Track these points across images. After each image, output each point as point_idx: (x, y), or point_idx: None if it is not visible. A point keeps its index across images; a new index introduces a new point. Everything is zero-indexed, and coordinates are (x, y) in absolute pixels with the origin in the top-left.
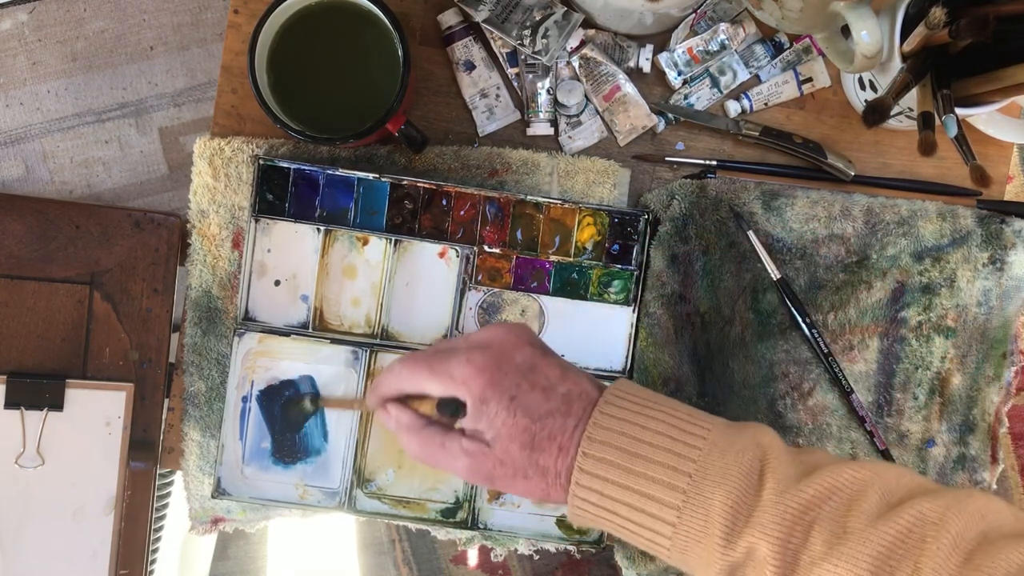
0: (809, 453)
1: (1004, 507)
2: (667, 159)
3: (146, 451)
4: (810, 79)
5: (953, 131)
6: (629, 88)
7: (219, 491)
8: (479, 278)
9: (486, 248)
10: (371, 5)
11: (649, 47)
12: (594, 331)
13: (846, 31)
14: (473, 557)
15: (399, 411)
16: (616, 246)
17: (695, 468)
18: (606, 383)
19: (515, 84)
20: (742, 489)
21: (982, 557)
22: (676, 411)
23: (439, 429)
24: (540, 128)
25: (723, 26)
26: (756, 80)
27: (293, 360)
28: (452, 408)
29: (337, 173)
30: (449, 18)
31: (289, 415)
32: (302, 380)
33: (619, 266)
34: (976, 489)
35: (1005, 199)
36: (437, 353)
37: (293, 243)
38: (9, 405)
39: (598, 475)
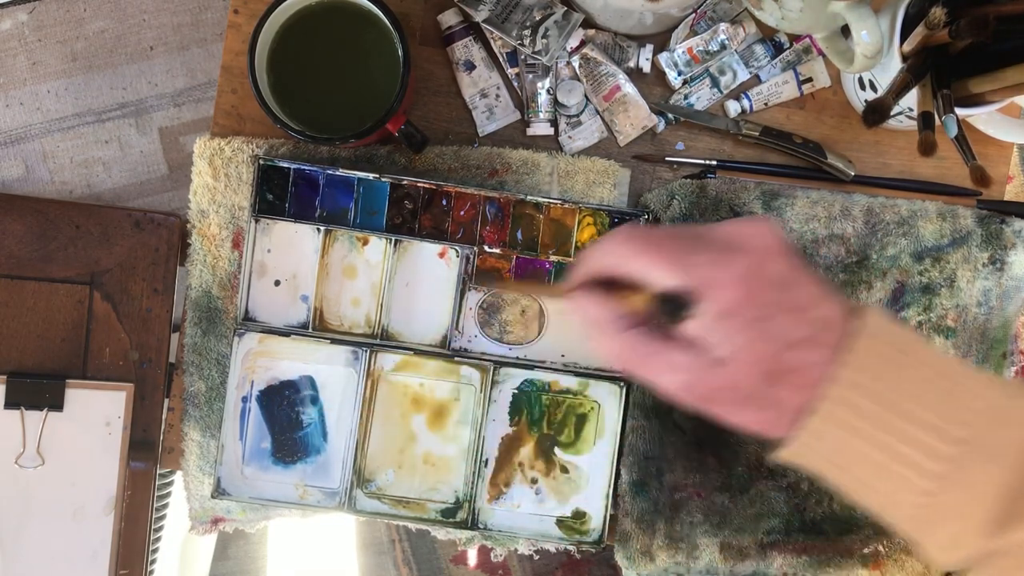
0: None
1: None
2: (667, 159)
3: (146, 451)
4: (810, 79)
5: (953, 131)
6: (629, 88)
7: (219, 491)
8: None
9: (486, 248)
10: (371, 5)
11: (649, 47)
12: None
13: (846, 31)
14: (473, 557)
15: (597, 303)
16: None
17: (970, 434)
18: (607, 389)
19: (515, 84)
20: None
21: None
22: (944, 359)
23: (646, 332)
24: (540, 128)
25: (723, 26)
26: (756, 80)
27: (293, 360)
28: (677, 309)
29: (337, 173)
30: (449, 18)
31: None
32: (302, 380)
33: None
34: None
35: (1005, 199)
36: (675, 238)
37: (293, 243)
38: (9, 405)
39: (847, 421)
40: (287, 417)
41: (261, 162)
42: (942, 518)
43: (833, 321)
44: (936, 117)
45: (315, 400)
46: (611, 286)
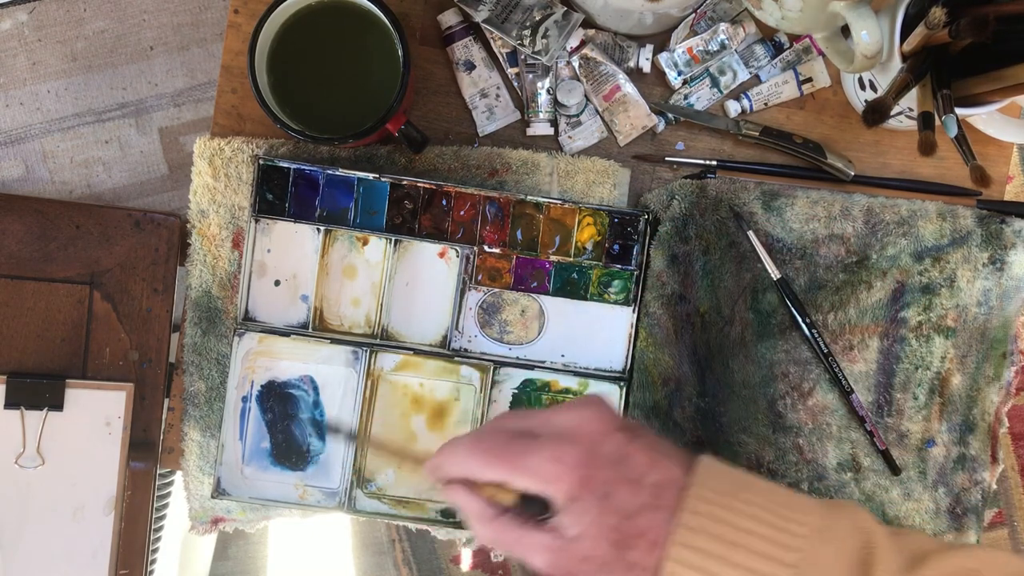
0: (908, 536)
1: None
2: (667, 159)
3: (146, 451)
4: (810, 79)
5: (953, 131)
6: (629, 88)
7: (219, 491)
8: (479, 278)
9: (486, 248)
10: (371, 5)
11: (649, 47)
12: (594, 331)
13: (846, 31)
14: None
15: (469, 500)
16: (616, 246)
17: (800, 558)
18: (607, 389)
19: (515, 84)
20: None
21: None
22: (771, 495)
23: (514, 519)
24: (540, 128)
25: (723, 26)
26: (756, 80)
27: (293, 360)
28: (538, 507)
29: (337, 173)
30: (449, 18)
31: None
32: (302, 380)
33: (619, 266)
34: None
35: (1005, 199)
36: (514, 441)
37: (293, 243)
38: (9, 405)
39: (694, 567)
40: (287, 417)
41: (261, 162)
42: None
43: (670, 481)
44: (936, 117)
45: (315, 400)
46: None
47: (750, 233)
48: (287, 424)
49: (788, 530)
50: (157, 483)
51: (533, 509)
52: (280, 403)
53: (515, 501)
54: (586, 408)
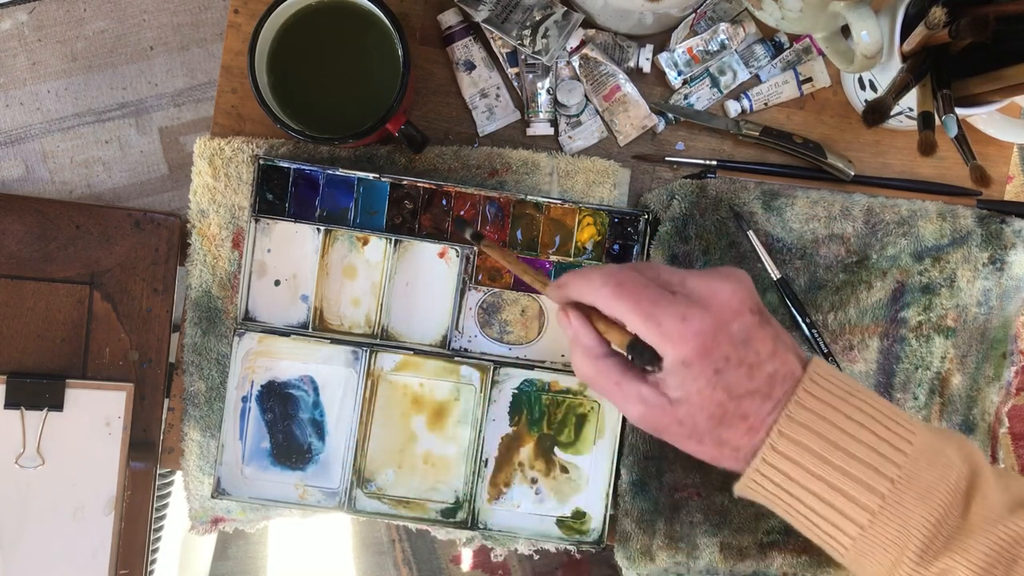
0: (1013, 479)
1: None
2: (667, 159)
3: (146, 451)
4: (810, 79)
5: (953, 131)
6: (629, 88)
7: (219, 491)
8: (479, 278)
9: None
10: (371, 5)
11: (649, 47)
12: None
13: (846, 31)
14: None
15: (582, 329)
16: (616, 246)
17: (899, 474)
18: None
19: (515, 84)
20: (947, 507)
21: None
22: (879, 406)
23: (619, 363)
24: (540, 128)
25: (723, 26)
26: (756, 80)
27: (293, 360)
28: (647, 357)
29: (337, 173)
30: (449, 18)
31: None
32: (302, 380)
33: None
34: None
35: (1005, 199)
36: (649, 288)
37: (293, 243)
38: (9, 405)
39: (791, 458)
40: (287, 417)
41: (261, 162)
42: (874, 549)
43: (784, 374)
44: (936, 117)
45: (315, 400)
46: (596, 311)
47: (750, 233)
48: (287, 424)
49: (893, 444)
50: (157, 483)
51: (641, 360)
52: (280, 403)
53: (626, 345)
54: (727, 280)
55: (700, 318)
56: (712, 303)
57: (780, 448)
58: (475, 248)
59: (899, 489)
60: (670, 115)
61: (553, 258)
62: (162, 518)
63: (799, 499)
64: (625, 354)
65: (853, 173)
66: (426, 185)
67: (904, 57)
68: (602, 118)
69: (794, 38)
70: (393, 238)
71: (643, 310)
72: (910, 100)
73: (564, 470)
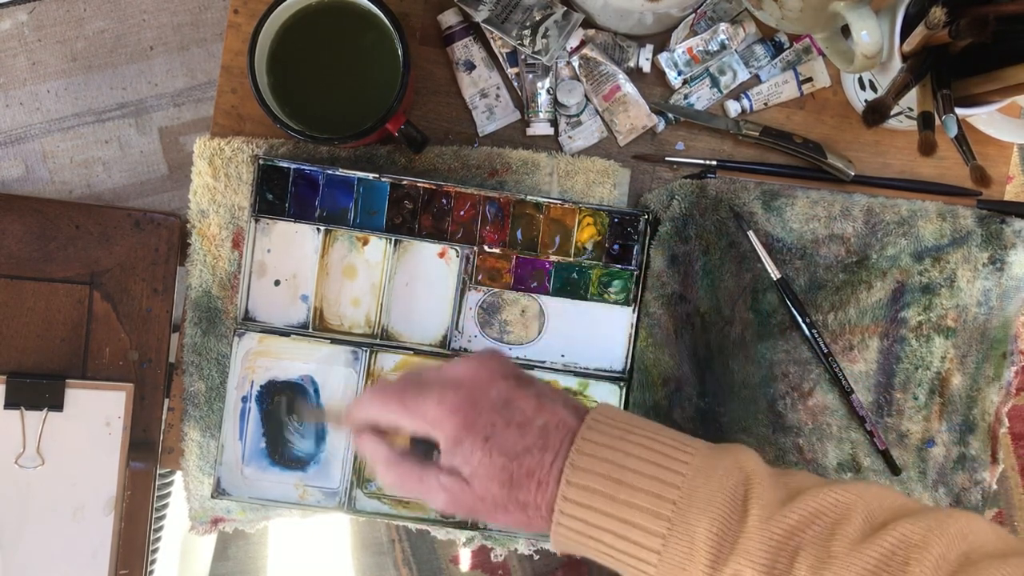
0: (792, 475)
1: (986, 526)
2: (667, 159)
3: (146, 451)
4: (810, 79)
5: (953, 131)
6: (629, 88)
7: (219, 491)
8: (479, 278)
9: (486, 248)
10: (371, 5)
11: (649, 47)
12: (594, 331)
13: (846, 31)
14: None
15: (373, 443)
16: (616, 246)
17: (679, 495)
18: (608, 389)
19: (515, 84)
20: (727, 515)
21: None
22: (658, 435)
23: (416, 462)
24: (540, 128)
25: (723, 26)
26: (756, 80)
27: (293, 360)
28: (426, 447)
29: (337, 173)
30: (449, 18)
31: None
32: (302, 380)
33: (619, 266)
34: (958, 509)
35: (1005, 199)
36: (409, 387)
37: (293, 243)
38: (9, 405)
39: (581, 503)
40: (287, 417)
41: (261, 162)
42: (676, 570)
43: (559, 424)
44: (936, 117)
45: (315, 400)
46: (383, 429)
47: (750, 233)
48: (287, 424)
49: (671, 468)
50: (157, 483)
51: (426, 452)
52: (280, 403)
53: (407, 443)
54: (476, 359)
55: (455, 395)
56: (464, 380)
57: (571, 496)
58: (475, 249)
59: (681, 509)
60: (670, 115)
61: (553, 258)
62: (162, 518)
63: (600, 540)
64: (416, 453)
65: (853, 173)
66: (426, 185)
67: (904, 57)
68: (602, 118)
69: (794, 38)
70: (393, 238)
71: (406, 407)
72: (910, 100)
73: None
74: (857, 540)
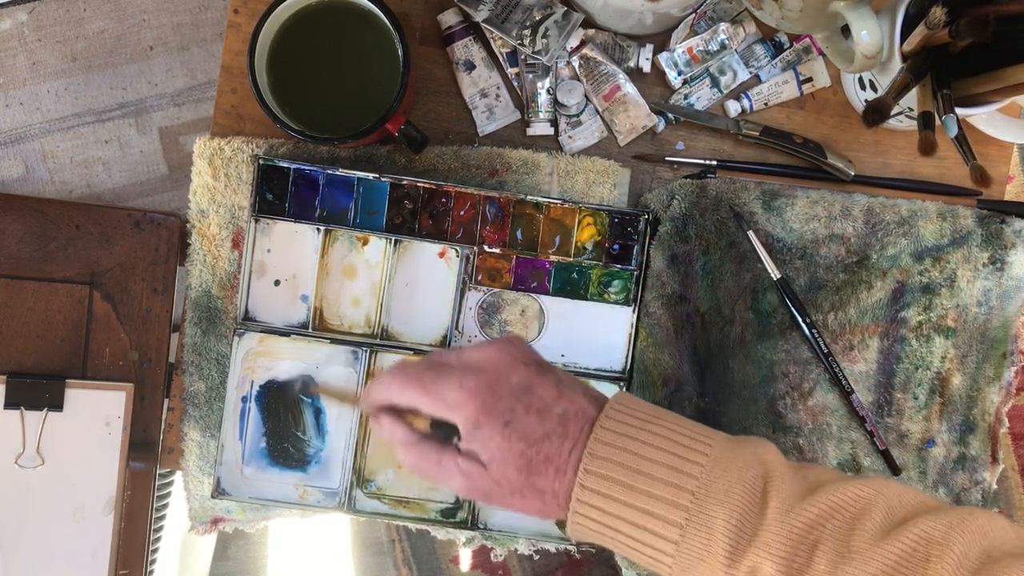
0: (811, 469)
1: (1006, 525)
2: (667, 159)
3: (146, 451)
4: (810, 79)
5: (953, 131)
6: (629, 88)
7: (219, 491)
8: (479, 278)
9: (486, 248)
10: (371, 5)
11: (649, 47)
12: (594, 331)
13: (846, 31)
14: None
15: (392, 424)
16: (616, 246)
17: (698, 485)
18: (607, 389)
19: (515, 84)
20: (746, 507)
21: None
22: (677, 425)
23: (435, 444)
24: (540, 128)
25: (723, 26)
26: (756, 80)
27: (293, 360)
28: (446, 430)
29: (337, 173)
30: (449, 18)
31: (286, 399)
32: (302, 380)
33: (619, 266)
34: (978, 507)
35: (1005, 199)
36: (430, 369)
37: (293, 243)
38: (9, 405)
39: (599, 492)
40: (286, 417)
41: (261, 162)
42: (693, 561)
43: (578, 412)
44: (936, 117)
45: (315, 400)
46: (401, 409)
47: (750, 233)
48: (286, 424)
49: (690, 458)
50: (157, 483)
51: (446, 435)
52: (280, 403)
53: (427, 426)
54: (497, 343)
55: (475, 380)
56: (485, 365)
57: (589, 485)
58: (475, 249)
59: (700, 499)
60: (670, 115)
61: (553, 258)
62: (162, 518)
63: (617, 530)
64: (435, 435)
65: (853, 173)
66: (426, 185)
67: (904, 57)
68: (602, 118)
69: (794, 38)
70: (393, 238)
71: (426, 389)
72: (910, 100)
73: None
74: (877, 535)
